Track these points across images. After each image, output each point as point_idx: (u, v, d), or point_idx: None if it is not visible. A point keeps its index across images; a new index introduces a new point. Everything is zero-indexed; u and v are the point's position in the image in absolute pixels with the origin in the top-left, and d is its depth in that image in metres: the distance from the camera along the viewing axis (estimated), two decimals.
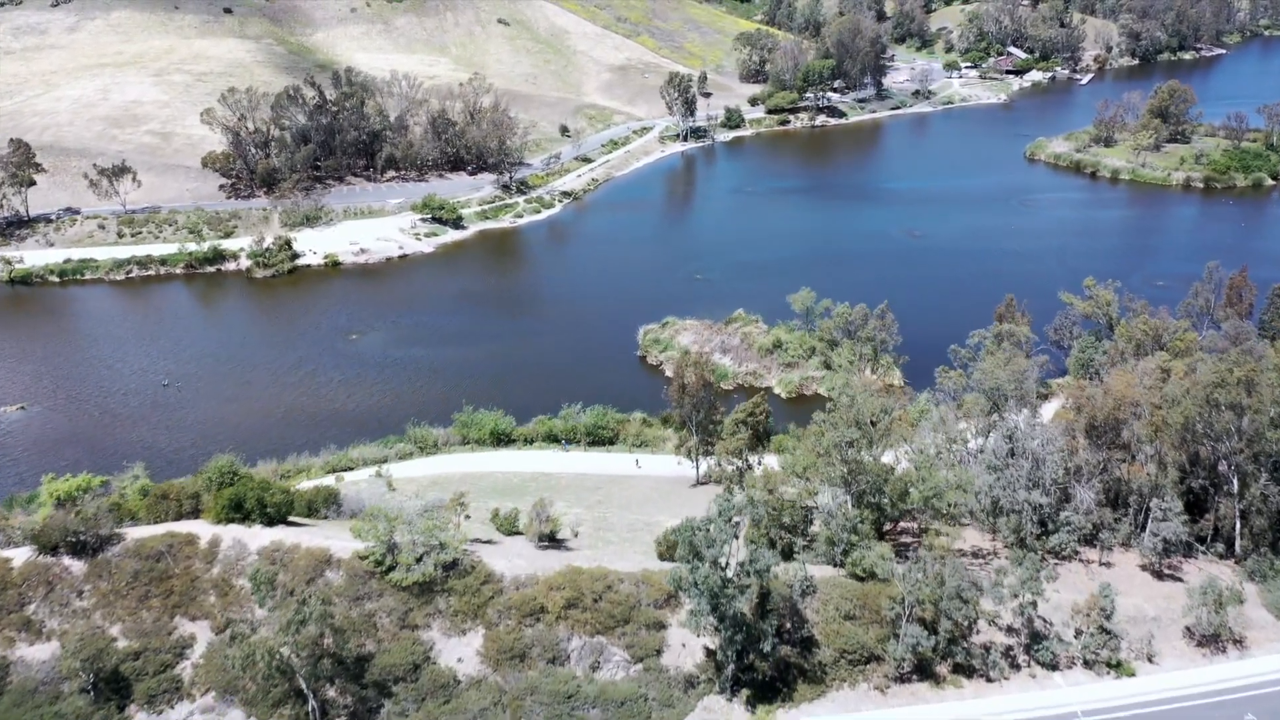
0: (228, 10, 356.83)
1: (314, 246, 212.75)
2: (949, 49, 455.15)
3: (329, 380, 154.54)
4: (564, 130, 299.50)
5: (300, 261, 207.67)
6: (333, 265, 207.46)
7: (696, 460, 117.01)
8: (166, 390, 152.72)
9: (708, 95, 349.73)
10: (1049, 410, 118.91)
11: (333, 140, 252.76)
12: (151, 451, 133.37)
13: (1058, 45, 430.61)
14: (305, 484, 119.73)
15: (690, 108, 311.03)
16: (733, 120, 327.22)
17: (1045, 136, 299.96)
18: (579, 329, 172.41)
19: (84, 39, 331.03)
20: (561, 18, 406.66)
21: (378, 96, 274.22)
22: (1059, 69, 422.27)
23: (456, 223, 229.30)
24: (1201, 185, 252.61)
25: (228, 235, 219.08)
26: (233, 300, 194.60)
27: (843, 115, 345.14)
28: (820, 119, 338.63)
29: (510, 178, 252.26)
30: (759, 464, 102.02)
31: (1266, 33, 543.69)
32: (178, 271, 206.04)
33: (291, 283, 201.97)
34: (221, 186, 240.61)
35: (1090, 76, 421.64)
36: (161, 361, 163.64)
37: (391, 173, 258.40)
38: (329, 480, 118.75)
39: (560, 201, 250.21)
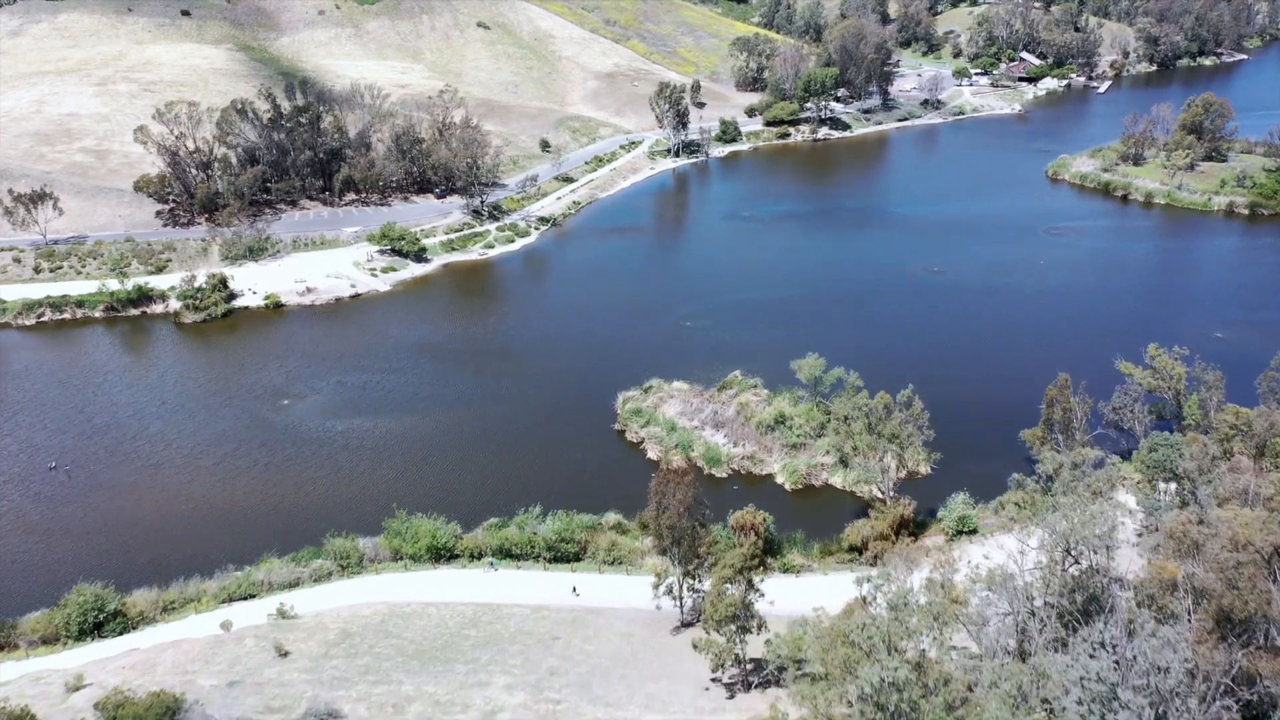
0: (185, 13, 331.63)
1: (255, 284, 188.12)
2: (957, 54, 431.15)
3: (251, 463, 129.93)
4: (544, 145, 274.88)
5: (237, 303, 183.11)
6: (274, 307, 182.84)
7: (680, 597, 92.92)
8: (53, 475, 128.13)
9: (701, 105, 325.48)
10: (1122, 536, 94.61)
11: (285, 160, 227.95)
12: (13, 568, 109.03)
13: (1072, 50, 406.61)
14: (192, 618, 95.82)
15: (682, 120, 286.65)
16: (728, 133, 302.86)
17: (1068, 153, 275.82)
18: (549, 391, 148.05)
19: (26, 44, 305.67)
20: (546, 20, 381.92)
21: (338, 109, 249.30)
22: (1074, 76, 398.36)
23: (419, 255, 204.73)
24: (1246, 211, 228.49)
25: (159, 270, 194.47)
26: (155, 352, 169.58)
27: (846, 128, 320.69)
28: (823, 132, 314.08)
29: (481, 202, 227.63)
30: (757, 628, 77.77)
31: None
32: (97, 315, 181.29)
33: (226, 328, 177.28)
34: (158, 213, 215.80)
35: (1108, 84, 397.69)
36: (57, 436, 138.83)
37: (351, 195, 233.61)
38: (219, 617, 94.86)
39: (537, 229, 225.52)
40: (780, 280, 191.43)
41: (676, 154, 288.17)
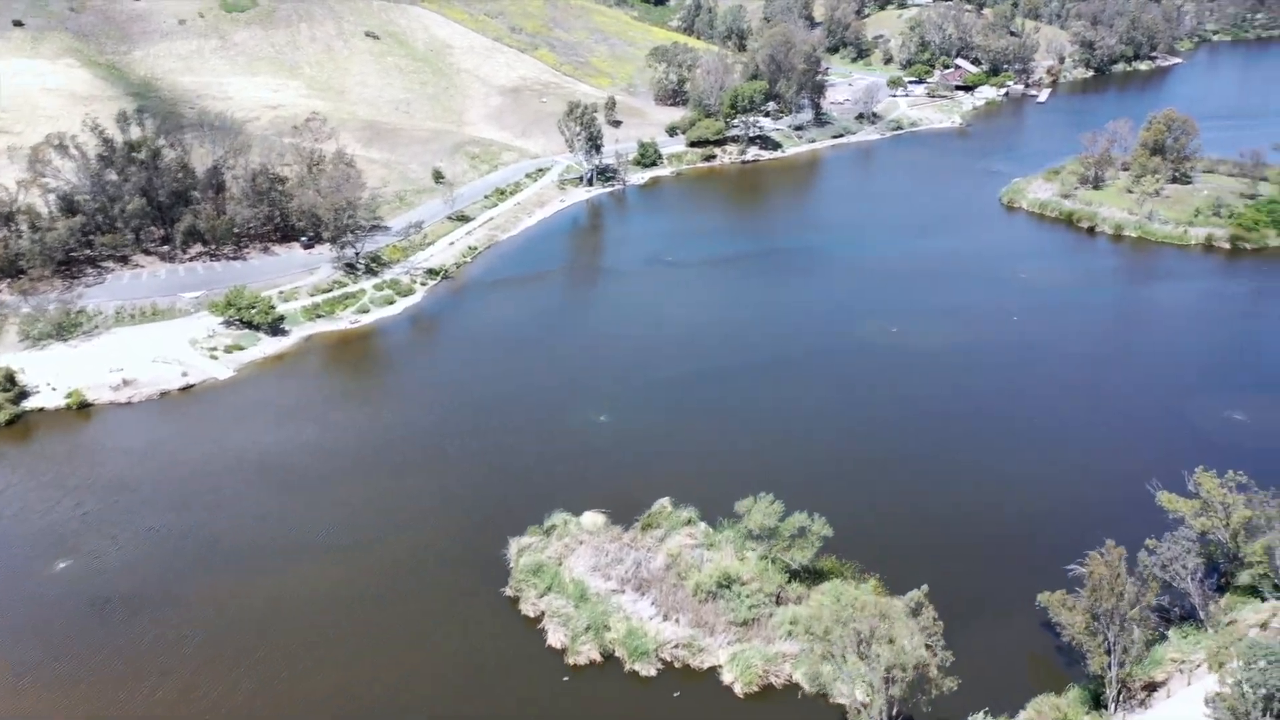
0: (18, 23, 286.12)
1: (57, 375, 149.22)
2: (888, 60, 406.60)
3: None
4: (438, 176, 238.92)
5: (30, 403, 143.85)
6: (79, 407, 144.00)
7: None
8: None
9: (617, 124, 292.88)
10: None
11: (112, 208, 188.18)
12: None
13: (1008, 56, 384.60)
14: None
15: (596, 143, 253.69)
16: (648, 156, 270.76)
17: (1020, 175, 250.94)
18: (425, 532, 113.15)
19: None
20: (444, 29, 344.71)
21: (185, 140, 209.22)
22: (1011, 83, 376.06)
23: (275, 326, 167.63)
24: (1227, 245, 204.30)
25: None
26: None
27: (777, 147, 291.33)
28: (751, 152, 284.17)
29: (357, 253, 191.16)
30: None
31: (1214, 38, 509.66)
32: None
33: (12, 440, 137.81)
34: None
35: (1048, 92, 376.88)
36: None
37: (199, 248, 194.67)
38: None
39: (424, 284, 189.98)
40: (712, 349, 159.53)
41: (590, 182, 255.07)
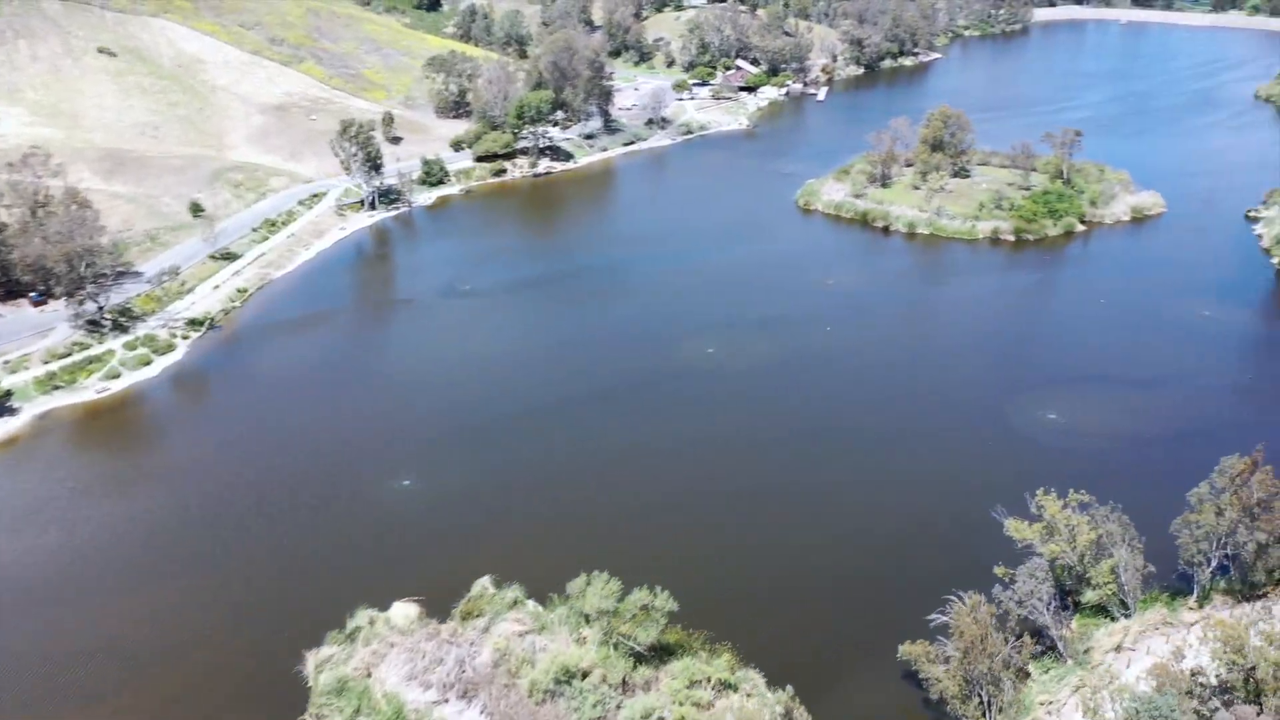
0: None
1: None
2: (670, 63, 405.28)
3: None
4: (196, 209, 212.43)
5: None
6: None
7: None
8: None
9: (397, 141, 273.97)
10: None
11: None
12: None
13: (785, 56, 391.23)
14: None
15: (375, 163, 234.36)
16: (433, 175, 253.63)
17: (811, 175, 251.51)
18: (191, 662, 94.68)
19: None
20: (193, 42, 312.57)
21: None
22: (791, 83, 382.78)
23: (0, 404, 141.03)
24: (1012, 238, 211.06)
25: None
26: None
27: (569, 157, 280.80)
28: (543, 164, 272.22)
29: (100, 308, 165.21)
30: None
31: (966, 33, 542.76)
32: None
33: None
34: None
35: (826, 90, 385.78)
36: None
37: None
38: None
39: (186, 337, 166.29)
40: (521, 389, 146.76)
41: (372, 206, 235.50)
